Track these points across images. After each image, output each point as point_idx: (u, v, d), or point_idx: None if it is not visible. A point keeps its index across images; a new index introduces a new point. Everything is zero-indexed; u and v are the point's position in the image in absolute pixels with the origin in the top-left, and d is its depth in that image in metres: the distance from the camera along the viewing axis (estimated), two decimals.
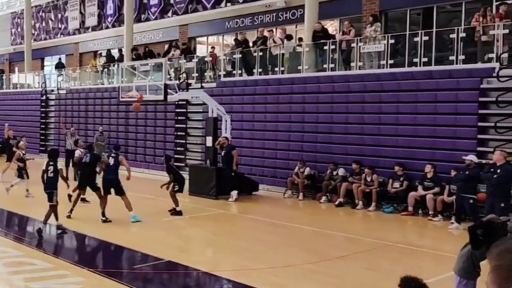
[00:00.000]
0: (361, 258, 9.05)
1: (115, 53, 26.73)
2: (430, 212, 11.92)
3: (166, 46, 24.39)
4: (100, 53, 28.32)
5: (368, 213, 12.80)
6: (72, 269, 8.35)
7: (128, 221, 11.57)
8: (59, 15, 33.34)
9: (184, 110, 19.62)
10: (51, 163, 10.55)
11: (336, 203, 13.39)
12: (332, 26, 19.27)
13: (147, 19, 26.59)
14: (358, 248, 9.72)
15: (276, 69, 17.59)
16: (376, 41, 15.39)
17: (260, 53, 18.06)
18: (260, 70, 18.06)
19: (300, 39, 18.42)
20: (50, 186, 10.48)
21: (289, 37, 18.38)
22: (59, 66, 28.88)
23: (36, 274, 8.16)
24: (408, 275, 3.58)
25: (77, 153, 13.88)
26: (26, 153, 14.57)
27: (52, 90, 27.47)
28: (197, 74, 20.09)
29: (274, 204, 14.14)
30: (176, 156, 19.08)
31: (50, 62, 35.17)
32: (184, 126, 19.56)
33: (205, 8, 23.61)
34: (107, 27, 29.37)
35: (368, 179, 13.10)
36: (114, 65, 24.66)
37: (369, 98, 14.56)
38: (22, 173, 14.27)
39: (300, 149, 15.28)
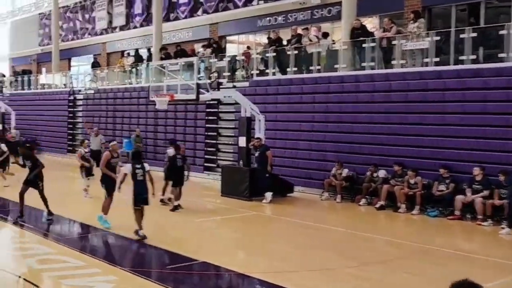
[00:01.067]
0: (404, 263, 8.91)
1: (143, 52, 27.06)
2: (479, 217, 11.66)
3: (196, 45, 24.69)
4: (128, 53, 28.76)
5: (412, 217, 12.59)
6: (104, 267, 8.45)
7: (162, 222, 11.58)
8: (87, 16, 34.03)
9: (216, 110, 19.73)
10: (137, 165, 10.02)
11: (377, 206, 13.23)
12: (370, 23, 19.13)
13: (176, 18, 26.91)
14: (400, 253, 9.58)
15: (312, 68, 17.53)
16: (419, 38, 15.19)
17: (295, 52, 18.03)
18: (294, 69, 18.01)
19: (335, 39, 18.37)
20: (145, 190, 10.02)
21: (325, 35, 18.36)
22: (95, 65, 29.33)
23: (69, 271, 8.28)
24: (466, 279, 3.25)
25: (171, 152, 13.55)
26: (88, 152, 14.77)
27: (80, 90, 27.97)
28: (228, 74, 20.17)
29: (310, 206, 14.07)
30: (206, 156, 19.18)
31: (77, 62, 35.88)
32: (215, 126, 19.66)
33: (236, 6, 23.78)
34: (135, 27, 29.84)
35: (411, 181, 12.90)
36: (142, 65, 24.97)
37: (412, 97, 14.40)
38: (89, 171, 14.39)
39: (337, 150, 15.17)
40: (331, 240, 10.56)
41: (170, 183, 13.10)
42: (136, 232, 9.95)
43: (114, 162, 10.84)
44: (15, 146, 23.29)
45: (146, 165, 10.19)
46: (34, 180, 11.64)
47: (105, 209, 10.85)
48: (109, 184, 10.83)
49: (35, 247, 9.73)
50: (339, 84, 16.31)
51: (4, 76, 37.55)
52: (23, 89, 33.41)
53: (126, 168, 10.13)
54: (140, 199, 10.00)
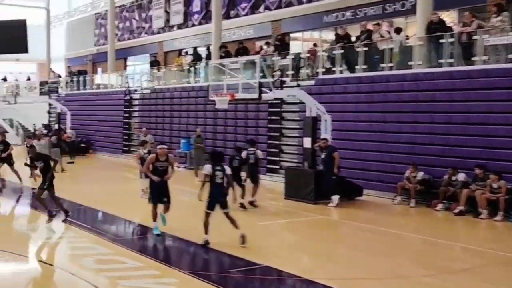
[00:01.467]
0: (487, 272, 8.81)
1: (201, 51, 27.73)
2: None
3: (257, 43, 25.13)
4: (186, 52, 29.54)
5: (494, 223, 12.35)
6: (162, 269, 8.76)
7: (222, 224, 11.79)
8: (143, 14, 35.25)
9: (279, 109, 19.99)
10: (217, 167, 9.99)
11: (456, 211, 13.06)
12: (448, 17, 18.91)
13: (237, 15, 27.45)
14: (482, 262, 9.47)
15: (383, 65, 17.51)
16: (503, 33, 14.92)
17: (364, 48, 18.06)
18: (364, 66, 18.04)
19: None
20: (223, 194, 10.07)
21: (398, 30, 18.31)
22: (154, 64, 30.22)
23: (126, 272, 8.66)
24: None
25: (245, 154, 14.16)
26: (147, 153, 15.22)
27: (136, 90, 28.97)
28: (292, 72, 20.40)
29: (381, 210, 14.03)
30: (269, 158, 19.40)
31: (133, 62, 37.17)
32: (278, 126, 19.92)
33: (300, 2, 24.04)
34: (193, 25, 30.65)
35: (494, 185, 12.66)
36: (201, 63, 25.59)
37: (496, 95, 14.19)
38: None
39: (411, 152, 15.09)
40: (405, 247, 10.53)
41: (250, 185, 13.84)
42: (206, 242, 10.04)
43: (161, 166, 10.80)
44: (71, 146, 24.68)
45: (226, 167, 10.18)
46: (50, 184, 12.00)
47: (152, 215, 10.94)
48: (152, 189, 10.92)
49: (92, 247, 10.19)
50: (414, 82, 16.24)
51: (59, 76, 39.41)
52: (78, 89, 34.99)
53: (206, 168, 10.09)
54: (215, 202, 9.99)
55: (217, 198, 9.94)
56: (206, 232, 10.02)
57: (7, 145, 17.57)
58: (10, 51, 37.86)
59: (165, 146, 11.09)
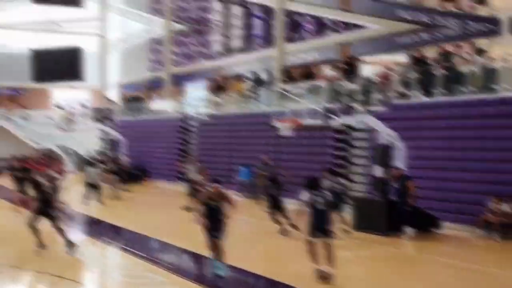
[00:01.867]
0: None
1: (263, 76, 28.08)
2: None
3: (323, 67, 25.25)
4: (247, 77, 29.99)
5: None
6: None
7: (283, 254, 11.77)
8: (201, 39, 36.07)
9: (346, 136, 19.95)
10: (316, 193, 10.19)
11: None
12: None
13: (301, 38, 27.68)
14: None
15: (464, 89, 17.27)
16: None
17: (443, 72, 17.90)
18: (442, 90, 17.85)
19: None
20: (326, 220, 10.17)
21: (480, 52, 18.08)
22: (217, 89, 30.61)
23: None
24: None
25: (329, 184, 14.43)
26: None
27: (193, 116, 29.60)
28: (362, 97, 20.37)
29: (461, 244, 13.82)
30: None
31: (190, 88, 37.93)
32: (345, 154, 19.87)
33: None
34: (254, 49, 31.06)
35: None
36: (262, 89, 25.91)
37: None
38: None
39: (496, 181, 14.82)
40: (491, 285, 10.28)
41: None
42: (321, 274, 9.94)
43: (215, 205, 10.60)
44: (126, 173, 25.49)
45: (327, 192, 10.36)
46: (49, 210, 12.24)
47: (210, 247, 10.83)
48: (212, 223, 10.73)
49: (148, 276, 10.48)
50: (498, 108, 15.97)
51: (114, 103, 40.77)
52: (133, 116, 36.03)
53: (305, 195, 10.14)
54: (317, 230, 10.03)
55: (319, 225, 9.99)
56: (316, 262, 9.97)
57: (27, 171, 17.72)
58: (66, 79, 39.85)
59: (218, 185, 10.82)
